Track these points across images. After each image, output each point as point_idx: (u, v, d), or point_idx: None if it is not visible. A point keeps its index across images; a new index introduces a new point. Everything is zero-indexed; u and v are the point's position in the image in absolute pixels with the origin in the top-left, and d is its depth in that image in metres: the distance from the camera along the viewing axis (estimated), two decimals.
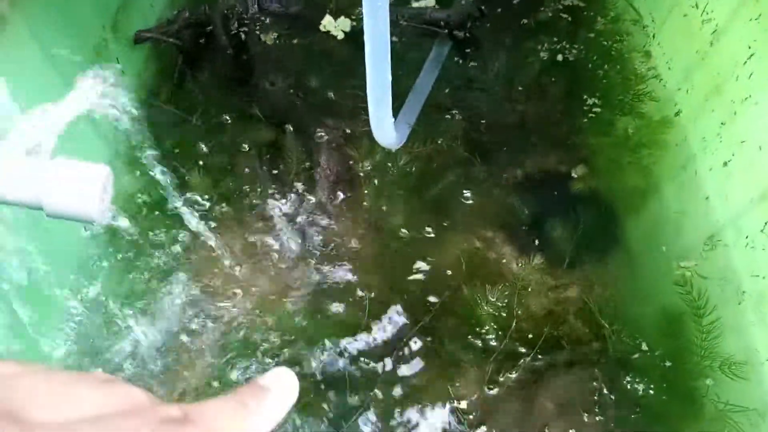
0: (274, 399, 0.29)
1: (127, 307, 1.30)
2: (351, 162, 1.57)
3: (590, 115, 1.66)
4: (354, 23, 1.86)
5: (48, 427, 0.23)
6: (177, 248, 1.40)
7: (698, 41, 1.48)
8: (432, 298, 1.36)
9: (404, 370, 1.27)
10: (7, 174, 0.61)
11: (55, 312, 1.27)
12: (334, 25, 1.86)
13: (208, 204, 1.48)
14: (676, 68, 1.60)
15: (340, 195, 1.52)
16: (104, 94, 1.07)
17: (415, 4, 1.93)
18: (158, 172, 1.55)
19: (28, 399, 0.24)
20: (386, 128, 1.43)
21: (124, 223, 1.32)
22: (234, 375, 1.26)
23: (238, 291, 1.36)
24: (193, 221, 1.34)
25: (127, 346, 1.27)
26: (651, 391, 1.24)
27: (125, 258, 1.38)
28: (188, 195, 1.49)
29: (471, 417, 1.21)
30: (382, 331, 1.32)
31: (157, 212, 1.45)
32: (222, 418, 0.27)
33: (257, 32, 1.86)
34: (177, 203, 1.42)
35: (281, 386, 0.30)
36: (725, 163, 1.33)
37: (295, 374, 0.31)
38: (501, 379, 1.25)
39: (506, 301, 1.34)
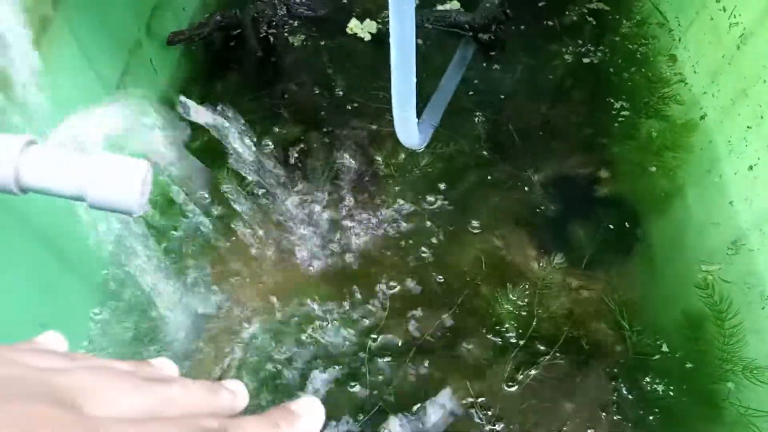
0: (304, 424, 0.31)
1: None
2: (374, 162, 1.60)
3: (614, 117, 1.66)
4: (380, 26, 1.88)
5: (99, 421, 0.25)
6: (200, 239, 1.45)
7: (725, 45, 1.47)
8: (452, 296, 1.38)
9: (423, 366, 1.29)
10: (51, 167, 0.64)
11: None
12: (361, 28, 1.89)
13: (231, 202, 1.52)
14: (702, 72, 1.59)
15: (363, 194, 1.54)
16: (139, 96, 1.12)
17: (440, 7, 1.95)
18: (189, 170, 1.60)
19: (81, 393, 0.26)
20: (410, 129, 1.45)
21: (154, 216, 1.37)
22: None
23: (260, 284, 1.40)
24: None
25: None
26: (671, 393, 1.24)
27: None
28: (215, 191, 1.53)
29: (490, 413, 1.22)
30: (402, 326, 1.34)
31: (179, 208, 1.50)
32: None
33: (285, 35, 1.90)
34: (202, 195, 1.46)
35: (310, 413, 0.32)
36: (751, 167, 1.32)
37: (322, 404, 0.34)
38: (520, 377, 1.26)
39: (527, 300, 1.35)
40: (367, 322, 1.35)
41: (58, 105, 1.19)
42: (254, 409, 0.32)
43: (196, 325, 1.34)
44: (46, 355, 0.29)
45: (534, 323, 1.32)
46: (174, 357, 1.29)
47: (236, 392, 0.33)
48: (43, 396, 0.25)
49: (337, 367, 1.29)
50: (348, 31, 1.90)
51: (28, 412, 0.23)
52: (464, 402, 1.24)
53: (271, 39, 1.89)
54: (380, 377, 1.28)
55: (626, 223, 1.48)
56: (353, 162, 1.60)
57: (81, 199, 0.64)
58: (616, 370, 1.28)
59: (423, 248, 1.45)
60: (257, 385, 1.26)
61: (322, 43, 1.89)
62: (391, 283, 1.40)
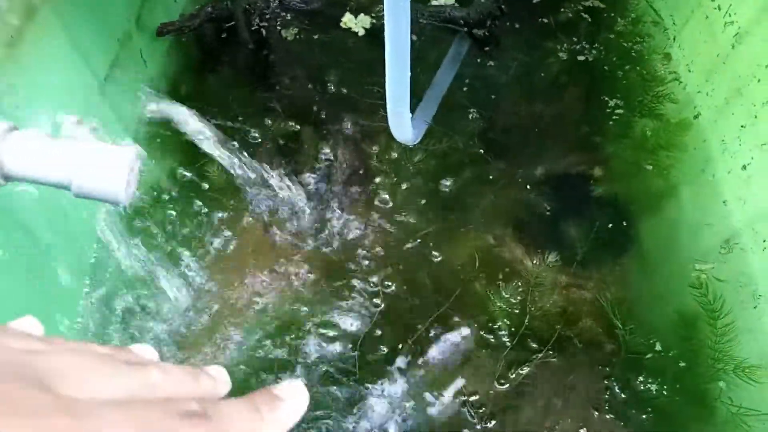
0: (286, 408, 0.31)
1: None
2: (367, 157, 1.58)
3: (609, 116, 1.66)
4: (374, 20, 1.87)
5: (77, 402, 0.25)
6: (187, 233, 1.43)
7: (720, 43, 1.47)
8: (445, 294, 1.37)
9: (415, 364, 1.28)
10: (34, 154, 0.62)
11: None
12: (355, 22, 1.87)
13: (222, 198, 1.50)
14: (696, 70, 1.59)
15: (356, 190, 1.53)
16: (128, 88, 1.10)
17: (434, 2, 1.94)
18: (177, 164, 1.58)
19: (59, 374, 0.26)
20: (404, 125, 1.44)
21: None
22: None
23: (249, 282, 1.38)
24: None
25: None
26: (663, 392, 1.24)
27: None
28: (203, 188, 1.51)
29: (481, 411, 1.21)
30: (394, 324, 1.33)
31: (170, 203, 1.48)
32: (236, 419, 0.28)
33: (278, 28, 1.88)
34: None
35: (293, 397, 0.32)
36: (744, 167, 1.32)
37: (305, 386, 0.33)
38: (512, 376, 1.25)
39: (519, 298, 1.34)
40: (358, 318, 1.33)
41: (46, 96, 1.17)
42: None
43: (187, 311, 1.33)
44: (23, 337, 0.29)
45: (527, 321, 1.31)
46: (167, 344, 1.27)
47: (217, 378, 0.33)
48: (20, 377, 0.24)
49: (325, 363, 1.27)
50: (342, 25, 1.88)
51: (4, 392, 0.23)
52: (456, 400, 1.23)
53: (264, 32, 1.86)
54: (371, 374, 1.26)
55: (620, 222, 1.48)
56: (346, 157, 1.58)
57: (66, 188, 0.62)
58: (608, 369, 1.27)
59: (415, 245, 1.44)
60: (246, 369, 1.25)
61: (316, 37, 1.87)
62: (382, 280, 1.38)
